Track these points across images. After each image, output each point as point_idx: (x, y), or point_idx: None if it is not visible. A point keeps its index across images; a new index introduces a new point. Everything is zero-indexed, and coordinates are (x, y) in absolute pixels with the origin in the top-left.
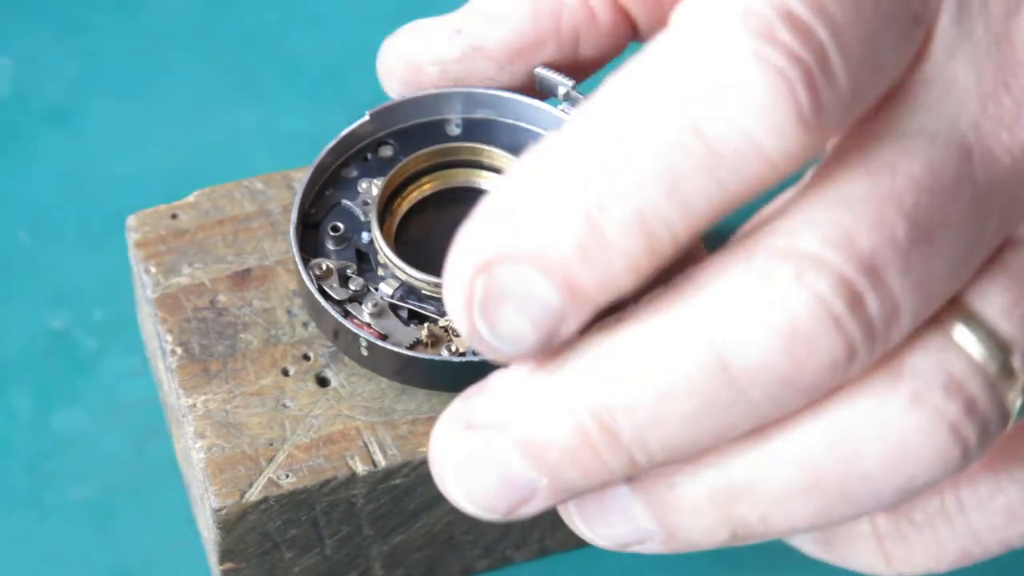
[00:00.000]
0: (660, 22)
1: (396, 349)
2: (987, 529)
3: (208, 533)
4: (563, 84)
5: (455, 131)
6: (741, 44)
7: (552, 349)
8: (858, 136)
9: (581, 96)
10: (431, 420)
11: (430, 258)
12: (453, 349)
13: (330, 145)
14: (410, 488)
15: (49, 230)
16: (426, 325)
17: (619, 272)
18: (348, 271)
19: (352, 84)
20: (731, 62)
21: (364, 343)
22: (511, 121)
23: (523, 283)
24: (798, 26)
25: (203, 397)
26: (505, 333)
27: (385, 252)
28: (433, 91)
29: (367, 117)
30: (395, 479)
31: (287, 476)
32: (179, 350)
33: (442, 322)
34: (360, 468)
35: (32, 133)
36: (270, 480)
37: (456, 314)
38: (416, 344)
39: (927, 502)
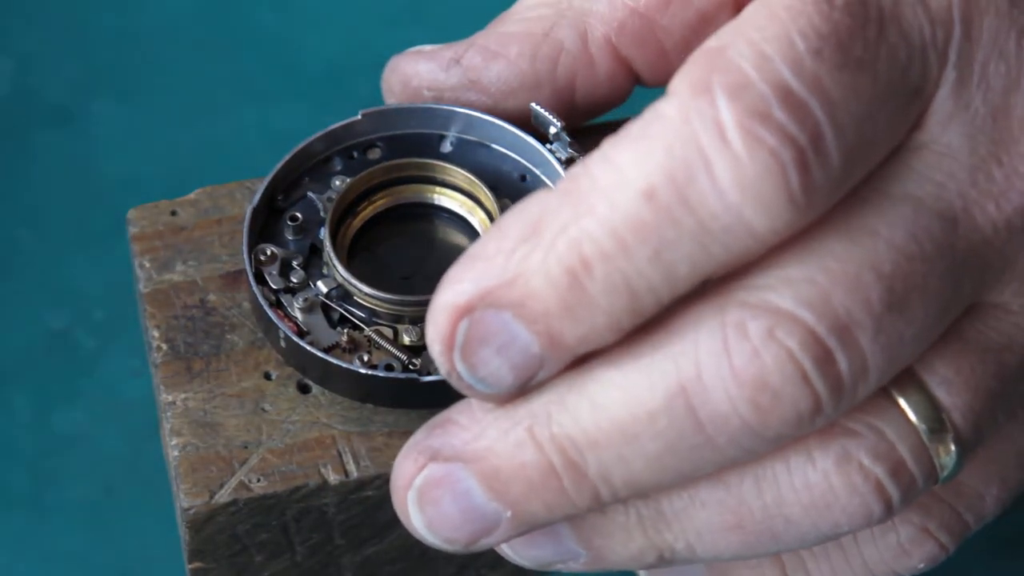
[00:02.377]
0: (665, 71)
1: (308, 347)
2: (878, 562)
3: (180, 532)
4: (554, 124)
5: (447, 148)
6: (735, 122)
7: (527, 390)
8: (844, 195)
9: (568, 138)
10: (408, 434)
11: (376, 267)
12: (365, 359)
13: (316, 136)
14: (383, 500)
15: (49, 230)
16: (346, 331)
17: (601, 329)
18: (294, 262)
19: (352, 84)
20: (724, 140)
21: (282, 335)
22: (503, 150)
23: (505, 329)
24: (793, 104)
25: (183, 395)
26: (484, 375)
27: (328, 250)
28: (432, 105)
29: (360, 116)
30: (367, 491)
31: (258, 480)
32: (164, 346)
33: (367, 331)
34: (332, 477)
35: (32, 133)
36: (241, 483)
37: (437, 355)
38: (333, 347)
39: None
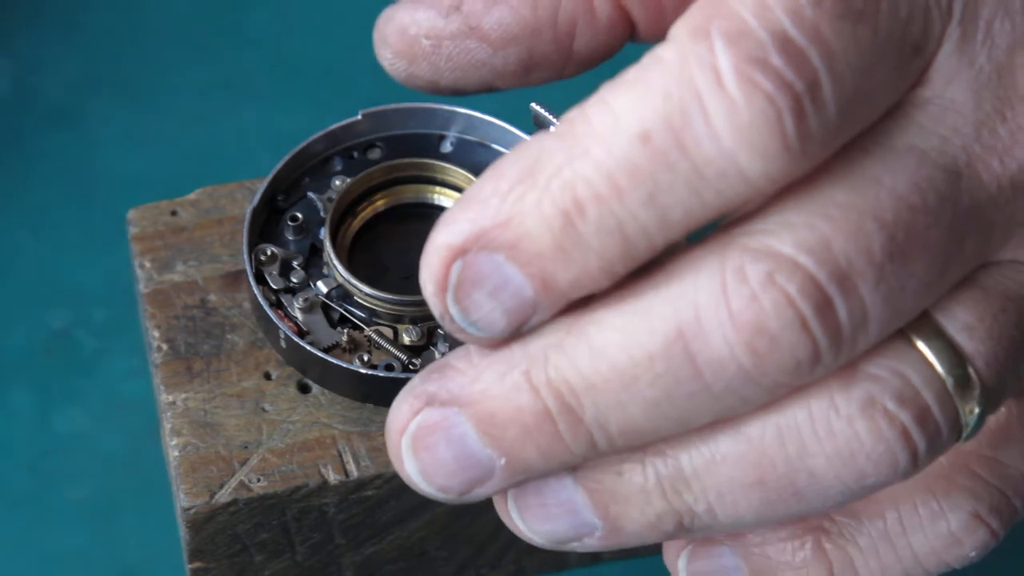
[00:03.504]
0: (659, 25)
1: (308, 347)
2: (928, 553)
3: (180, 532)
4: (554, 124)
5: (447, 148)
6: (732, 67)
7: (520, 335)
8: (846, 146)
9: None
10: None
11: (376, 268)
12: (365, 359)
13: (316, 136)
14: (383, 500)
15: (49, 230)
16: (346, 331)
17: (594, 272)
18: (294, 262)
19: (352, 84)
20: (721, 84)
21: (282, 335)
22: (503, 150)
23: (498, 272)
24: (791, 51)
25: (183, 395)
26: (477, 319)
27: (328, 251)
28: (432, 105)
29: (360, 116)
30: (367, 490)
31: (259, 480)
32: (165, 346)
33: (367, 331)
34: (332, 477)
35: (32, 133)
36: (241, 483)
37: (430, 296)
38: (333, 347)
39: (871, 525)
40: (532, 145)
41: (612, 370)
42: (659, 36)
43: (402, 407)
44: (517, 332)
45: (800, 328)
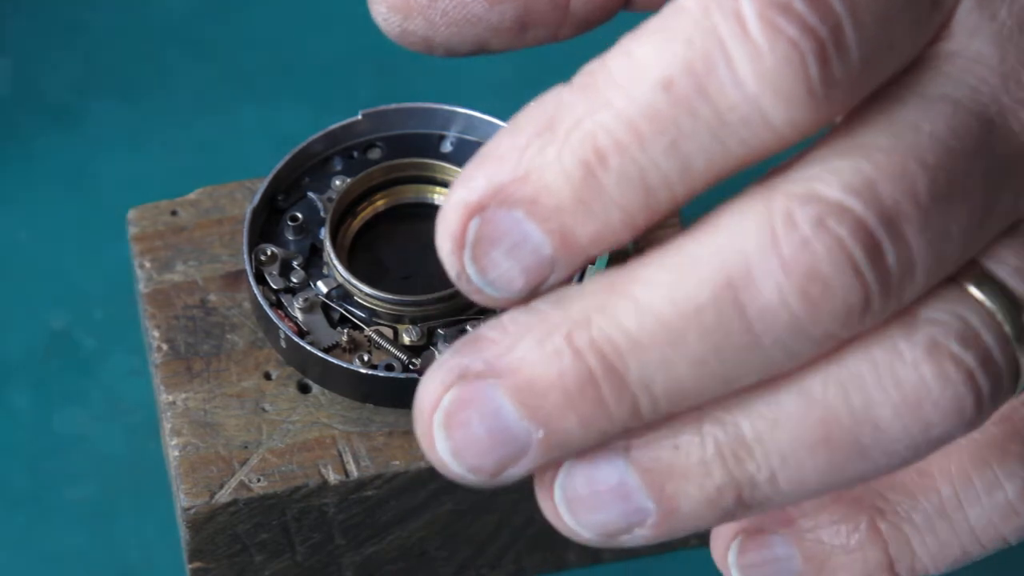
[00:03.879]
0: None
1: (308, 347)
2: (985, 526)
3: (180, 532)
4: None
5: (447, 148)
6: (755, 13)
7: (537, 295)
8: (880, 97)
9: None
10: (408, 434)
11: (376, 268)
12: (365, 359)
13: (316, 136)
14: (383, 500)
15: (49, 230)
16: (346, 331)
17: (615, 226)
18: (294, 262)
19: (352, 84)
20: (744, 30)
21: (282, 335)
22: None
23: (517, 229)
24: None
25: (183, 395)
26: (494, 278)
27: (328, 251)
28: (432, 105)
29: (360, 116)
30: (367, 490)
31: (259, 480)
32: (164, 346)
33: (368, 331)
34: (332, 477)
35: (32, 133)
36: (241, 483)
37: (446, 255)
38: (333, 347)
39: (926, 501)
40: (550, 98)
41: (659, 325)
42: (654, 2)
43: (433, 383)
44: (534, 292)
45: (853, 272)
